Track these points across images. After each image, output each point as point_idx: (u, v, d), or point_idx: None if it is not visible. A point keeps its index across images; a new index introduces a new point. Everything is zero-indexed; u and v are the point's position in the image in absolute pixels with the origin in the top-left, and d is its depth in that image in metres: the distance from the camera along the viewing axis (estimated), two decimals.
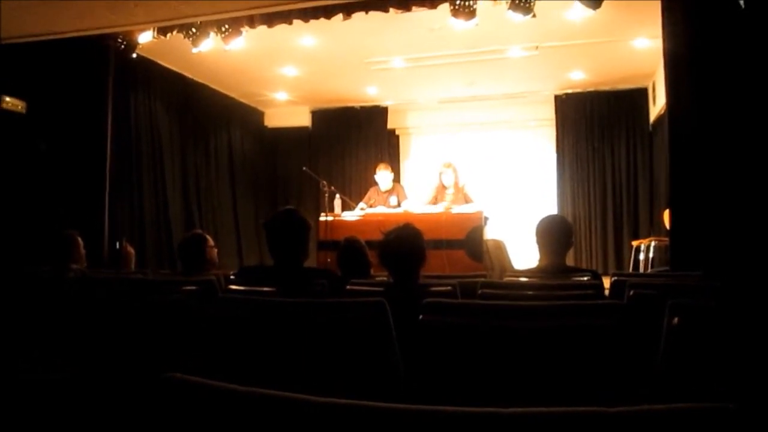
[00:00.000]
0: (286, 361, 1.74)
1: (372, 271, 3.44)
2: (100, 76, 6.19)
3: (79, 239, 4.12)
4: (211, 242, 3.61)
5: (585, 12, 5.55)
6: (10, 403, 1.44)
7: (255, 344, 1.80)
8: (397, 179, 7.92)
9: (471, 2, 5.39)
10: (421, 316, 1.65)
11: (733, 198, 3.99)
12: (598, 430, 0.58)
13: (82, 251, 4.14)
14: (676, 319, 1.46)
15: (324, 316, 1.79)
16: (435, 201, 6.65)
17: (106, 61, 6.22)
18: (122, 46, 6.22)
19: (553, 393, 1.54)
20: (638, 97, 8.69)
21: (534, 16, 5.39)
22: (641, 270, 6.66)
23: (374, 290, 2.51)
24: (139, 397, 1.49)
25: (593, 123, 8.97)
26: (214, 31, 5.98)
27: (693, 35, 4.42)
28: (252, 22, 5.73)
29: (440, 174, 6.73)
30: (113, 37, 6.02)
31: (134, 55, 6.57)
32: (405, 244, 2.62)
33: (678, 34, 4.56)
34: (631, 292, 2.21)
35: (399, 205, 6.80)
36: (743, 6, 3.98)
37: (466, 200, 6.54)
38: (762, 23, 3.94)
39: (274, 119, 10.24)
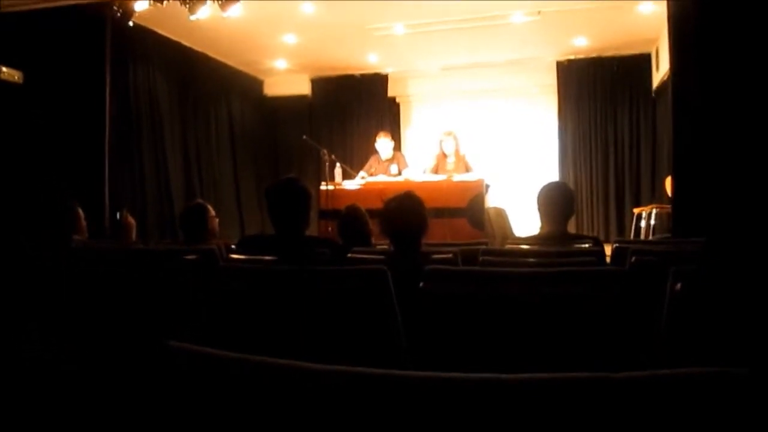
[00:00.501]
0: (288, 330, 1.74)
1: (373, 240, 3.44)
2: (97, 46, 6.11)
3: (80, 210, 4.11)
4: (213, 212, 3.60)
5: None
6: (16, 377, 1.45)
7: (256, 313, 1.80)
8: (397, 147, 7.88)
9: None
10: (422, 284, 1.65)
11: (736, 165, 3.96)
12: (602, 396, 0.57)
13: (83, 222, 4.13)
14: (678, 286, 1.45)
15: (326, 285, 1.79)
16: (436, 169, 6.63)
17: (102, 29, 6.13)
18: (118, 14, 6.13)
19: (555, 360, 1.54)
20: (641, 63, 8.58)
21: None
22: (642, 237, 6.66)
23: (376, 258, 2.51)
24: (141, 365, 1.49)
25: (595, 89, 8.89)
26: None
27: None
28: None
29: (441, 142, 6.70)
30: (109, 5, 5.93)
31: (131, 24, 6.48)
32: (406, 212, 2.61)
33: None
34: (633, 259, 2.21)
35: (400, 173, 6.78)
36: None
37: (467, 169, 6.53)
38: None
39: (274, 88, 10.14)
